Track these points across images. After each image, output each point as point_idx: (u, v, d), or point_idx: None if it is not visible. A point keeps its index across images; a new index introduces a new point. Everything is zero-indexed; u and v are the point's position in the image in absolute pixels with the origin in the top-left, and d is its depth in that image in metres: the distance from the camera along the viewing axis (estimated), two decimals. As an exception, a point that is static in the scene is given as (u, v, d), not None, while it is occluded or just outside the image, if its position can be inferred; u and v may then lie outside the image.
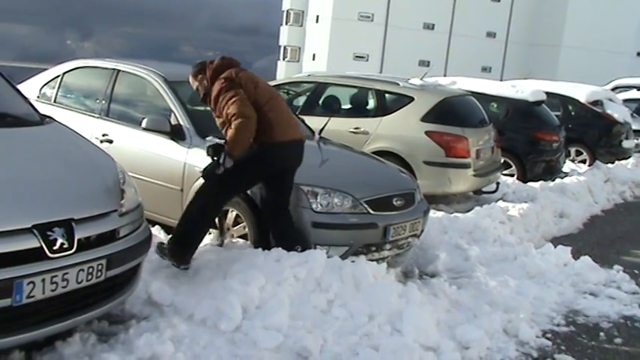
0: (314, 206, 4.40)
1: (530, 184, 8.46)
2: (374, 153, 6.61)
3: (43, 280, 2.70)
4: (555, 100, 11.42)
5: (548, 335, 4.12)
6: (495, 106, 9.82)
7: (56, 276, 2.74)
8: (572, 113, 11.71)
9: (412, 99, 7.47)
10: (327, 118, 6.01)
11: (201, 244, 4.47)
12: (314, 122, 6.13)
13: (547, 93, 10.37)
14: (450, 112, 7.51)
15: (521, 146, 9.17)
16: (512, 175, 9.00)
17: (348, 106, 8.35)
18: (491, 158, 7.82)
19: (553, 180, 8.86)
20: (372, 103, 7.96)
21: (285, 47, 52.58)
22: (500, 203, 6.89)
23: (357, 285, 3.96)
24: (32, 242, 2.69)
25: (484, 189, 7.89)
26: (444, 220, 6.11)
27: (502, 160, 8.40)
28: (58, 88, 6.02)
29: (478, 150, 7.37)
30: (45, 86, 6.13)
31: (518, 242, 6.02)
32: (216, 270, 3.93)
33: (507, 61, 51.24)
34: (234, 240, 4.55)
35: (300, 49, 51.68)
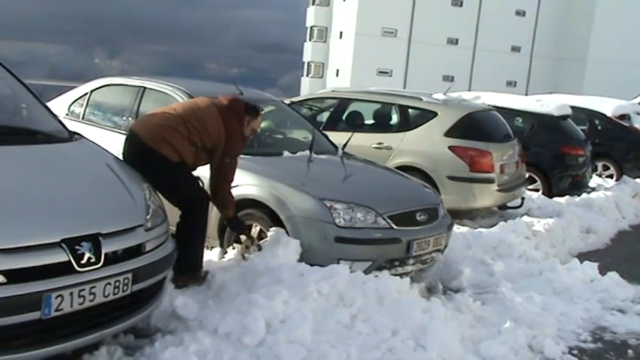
0: (337, 221, 4.41)
1: (555, 199, 8.38)
2: (397, 168, 6.62)
3: (71, 294, 2.75)
4: (581, 114, 11.32)
5: (575, 352, 4.06)
6: (520, 120, 9.76)
7: (84, 289, 2.80)
8: (599, 127, 11.59)
9: (435, 114, 7.47)
10: (350, 134, 6.03)
11: (226, 259, 4.54)
12: (337, 138, 6.16)
13: (573, 107, 10.29)
14: (473, 127, 7.48)
15: (546, 161, 9.09)
16: (537, 190, 8.92)
17: (372, 121, 8.38)
18: (515, 173, 7.76)
19: (579, 195, 8.77)
20: (395, 119, 7.98)
21: (308, 63, 52.87)
22: (526, 218, 6.83)
23: (381, 300, 3.96)
24: (61, 256, 2.74)
25: (509, 204, 7.83)
26: (468, 235, 6.08)
27: (527, 175, 8.35)
28: (86, 105, 6.14)
29: (502, 165, 7.33)
30: (74, 104, 6.26)
31: (543, 258, 5.96)
32: (240, 284, 3.96)
33: (532, 76, 50.84)
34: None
35: (324, 65, 51.90)
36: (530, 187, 8.63)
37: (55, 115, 4.00)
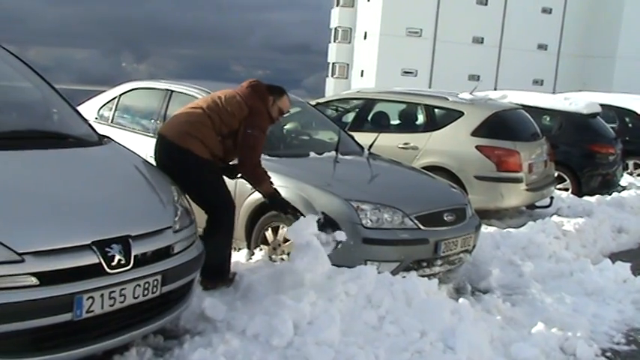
0: (364, 222, 4.39)
1: (585, 198, 8.24)
2: (424, 168, 6.58)
3: (102, 295, 2.78)
4: (611, 112, 11.15)
5: (608, 354, 3.99)
6: (548, 119, 9.63)
7: (114, 291, 2.83)
8: (630, 125, 11.40)
9: (462, 113, 7.42)
10: (376, 134, 6.01)
11: (253, 260, 4.55)
12: (363, 138, 6.15)
13: (602, 105, 10.13)
14: (501, 126, 7.42)
15: (575, 160, 8.96)
16: (566, 190, 8.79)
17: (397, 121, 8.35)
18: (544, 172, 7.67)
19: (610, 194, 8.62)
20: (421, 119, 7.93)
21: (333, 64, 52.88)
22: (555, 218, 6.73)
23: (409, 301, 3.93)
24: (92, 258, 2.77)
25: (537, 203, 7.74)
26: (497, 235, 6.01)
27: (556, 174, 8.24)
28: (115, 109, 6.22)
29: (530, 164, 7.25)
30: (103, 107, 6.35)
31: (574, 258, 5.86)
32: (268, 286, 3.97)
33: (560, 74, 50.18)
34: (285, 256, 4.59)
35: (349, 66, 51.88)
36: (559, 186, 8.52)
37: (85, 119, 4.06)
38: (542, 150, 7.71)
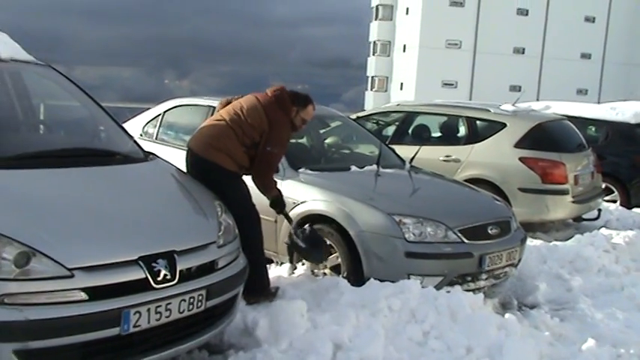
0: (407, 236, 4.36)
1: (635, 210, 8.04)
2: (466, 181, 6.51)
3: (149, 310, 2.82)
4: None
5: (663, 372, 3.85)
6: (594, 129, 9.44)
7: (160, 306, 2.86)
8: (680, 134, 11.02)
9: (504, 125, 7.32)
10: (417, 147, 5.98)
11: (295, 275, 4.56)
12: (404, 151, 6.11)
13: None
14: (545, 138, 7.29)
15: (623, 171, 8.74)
16: (614, 202, 8.57)
17: (438, 134, 8.29)
18: (591, 184, 7.50)
19: (661, 206, 8.36)
20: (462, 131, 7.86)
21: (372, 77, 52.91)
22: (604, 231, 6.55)
23: (454, 316, 3.87)
24: (138, 273, 2.82)
25: (584, 216, 7.57)
26: (543, 248, 5.89)
27: (603, 186, 8.05)
28: (159, 125, 6.34)
29: (576, 175, 7.10)
30: (147, 124, 6.47)
31: (624, 272, 5.68)
32: (310, 300, 3.96)
33: (604, 83, 49.11)
34: (327, 270, 4.58)
35: (388, 79, 51.82)
36: (606, 198, 8.31)
37: (130, 136, 4.14)
38: (588, 161, 7.56)
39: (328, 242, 4.56)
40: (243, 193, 4.19)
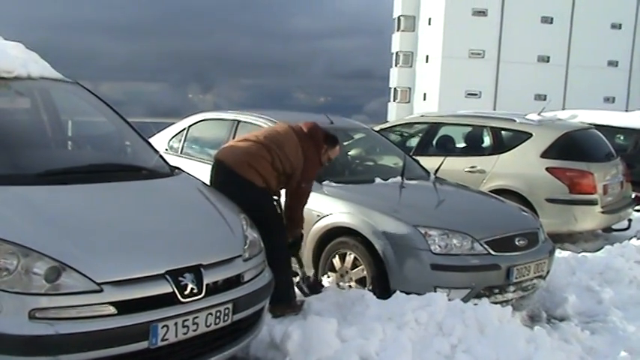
0: (432, 248, 4.33)
1: (666, 220, 7.87)
2: (491, 191, 6.46)
3: (176, 324, 2.83)
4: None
5: (699, 386, 3.75)
6: (622, 138, 9.31)
7: (187, 320, 2.88)
8: None
9: (530, 135, 7.26)
10: (441, 158, 5.95)
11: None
12: (429, 162, 6.10)
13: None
14: (572, 147, 7.21)
15: (654, 180, 8.58)
16: (645, 211, 8.41)
17: (463, 144, 8.24)
18: (620, 194, 7.39)
19: (692, 215, 8.19)
20: (487, 141, 7.80)
21: (395, 89, 52.86)
22: (634, 241, 6.44)
23: (482, 329, 3.83)
24: (166, 287, 2.84)
25: (614, 226, 7.45)
26: (572, 260, 5.80)
27: (633, 195, 7.91)
28: (184, 140, 6.40)
29: (605, 185, 7.00)
30: (173, 139, 6.55)
31: (657, 284, 5.57)
32: (337, 313, 3.95)
33: (632, 90, 48.42)
34: (353, 283, 4.57)
35: (411, 90, 51.72)
36: (637, 207, 8.16)
37: (156, 151, 4.19)
38: (617, 170, 7.45)
39: (353, 255, 4.56)
40: (270, 207, 4.27)
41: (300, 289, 4.54)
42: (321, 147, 4.44)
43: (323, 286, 4.60)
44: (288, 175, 4.30)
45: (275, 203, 4.38)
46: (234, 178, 4.17)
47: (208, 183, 4.20)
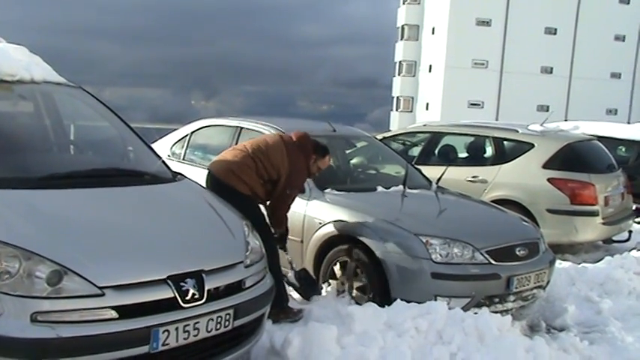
0: (433, 257, 4.34)
1: (667, 232, 7.86)
2: (493, 201, 6.46)
3: (177, 329, 2.84)
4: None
5: (698, 398, 3.75)
6: (624, 150, 9.32)
7: (188, 325, 2.89)
8: None
9: (532, 145, 7.28)
10: (443, 168, 5.97)
11: (322, 295, 4.56)
12: (431, 172, 6.11)
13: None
14: (574, 158, 7.23)
15: (655, 192, 8.58)
16: (646, 223, 8.41)
17: (465, 154, 8.26)
18: (621, 205, 7.39)
19: (694, 227, 8.19)
20: (489, 151, 7.82)
21: (398, 98, 52.93)
22: (635, 253, 6.44)
23: (481, 338, 3.84)
24: (167, 292, 2.85)
25: (615, 238, 7.45)
26: (572, 270, 5.80)
27: (634, 207, 7.91)
28: (187, 146, 6.43)
29: (607, 197, 7.01)
30: (175, 145, 6.57)
31: (656, 295, 5.58)
32: (337, 321, 3.95)
33: (635, 102, 48.48)
34: (354, 291, 4.58)
35: (413, 99, 51.79)
36: (638, 219, 8.17)
37: (159, 157, 4.21)
38: (618, 182, 7.46)
39: (354, 263, 4.57)
40: (256, 214, 4.37)
41: (293, 286, 4.61)
42: (310, 157, 4.56)
43: (314, 279, 4.68)
44: (273, 182, 4.45)
45: (262, 210, 4.50)
46: (221, 187, 4.31)
47: None
